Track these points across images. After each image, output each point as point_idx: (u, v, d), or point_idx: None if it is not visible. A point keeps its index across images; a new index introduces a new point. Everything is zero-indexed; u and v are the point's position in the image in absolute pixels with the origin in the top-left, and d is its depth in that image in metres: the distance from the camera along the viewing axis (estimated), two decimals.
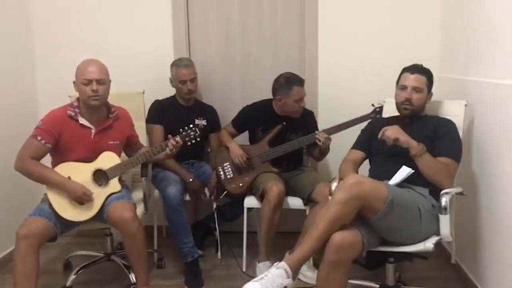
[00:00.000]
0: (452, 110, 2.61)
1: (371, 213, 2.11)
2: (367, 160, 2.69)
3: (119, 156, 2.67)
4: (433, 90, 2.57)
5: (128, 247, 2.50)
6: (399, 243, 2.25)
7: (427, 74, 2.52)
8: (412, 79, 2.49)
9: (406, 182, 2.33)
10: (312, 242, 2.07)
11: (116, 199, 2.52)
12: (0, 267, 3.05)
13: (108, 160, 2.59)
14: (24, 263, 2.31)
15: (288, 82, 2.95)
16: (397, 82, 2.57)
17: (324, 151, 2.99)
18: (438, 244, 2.30)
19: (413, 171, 2.31)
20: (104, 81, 2.55)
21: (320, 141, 2.89)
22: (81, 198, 2.47)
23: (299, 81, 2.97)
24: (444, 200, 2.19)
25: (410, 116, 2.52)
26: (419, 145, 2.31)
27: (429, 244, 2.20)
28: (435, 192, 2.29)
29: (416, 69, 2.52)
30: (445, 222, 2.20)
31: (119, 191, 2.58)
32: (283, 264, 2.05)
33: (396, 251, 2.26)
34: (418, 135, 2.40)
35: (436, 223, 2.23)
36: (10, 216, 3.08)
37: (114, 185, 2.58)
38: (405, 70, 2.55)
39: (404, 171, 2.32)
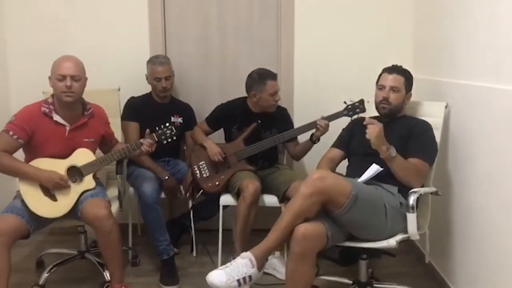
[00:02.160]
0: (432, 111, 2.64)
1: (335, 208, 2.18)
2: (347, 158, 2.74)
3: (94, 153, 2.65)
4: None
5: (103, 245, 2.49)
6: (365, 239, 2.30)
7: (405, 74, 2.58)
8: (390, 79, 2.55)
9: (376, 179, 2.39)
10: (277, 234, 2.17)
11: (90, 196, 2.51)
12: None
13: (82, 156, 2.57)
14: None
15: (262, 77, 2.98)
16: (377, 82, 2.63)
17: (316, 139, 2.98)
18: (410, 242, 2.36)
19: (382, 169, 2.36)
20: (79, 78, 2.52)
21: (322, 127, 2.89)
22: (58, 184, 2.45)
23: (272, 75, 3.00)
24: (411, 199, 2.24)
25: (388, 116, 2.57)
26: (388, 150, 2.33)
27: (392, 241, 2.26)
28: (404, 191, 2.34)
29: (394, 69, 2.58)
30: (412, 221, 2.24)
31: (94, 188, 2.56)
32: (248, 254, 2.13)
33: (360, 246, 2.31)
34: (394, 134, 2.45)
35: (404, 221, 2.28)
36: None
37: (89, 182, 2.56)
38: (384, 70, 2.61)
39: (373, 169, 2.38)
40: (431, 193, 2.50)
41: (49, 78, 2.54)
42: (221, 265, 2.94)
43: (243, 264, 2.10)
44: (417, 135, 2.47)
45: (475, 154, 2.37)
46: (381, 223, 2.27)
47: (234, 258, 2.85)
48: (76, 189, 2.52)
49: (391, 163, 2.35)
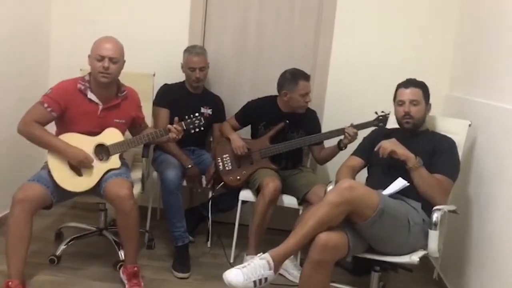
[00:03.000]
0: (455, 129, 2.62)
1: (360, 219, 2.15)
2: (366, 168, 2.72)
3: (123, 134, 2.70)
4: (441, 108, 2.59)
5: (121, 224, 2.53)
6: (386, 253, 2.28)
7: (422, 86, 2.55)
8: (408, 93, 2.53)
9: (400, 194, 2.36)
10: (298, 238, 2.11)
11: (114, 175, 2.55)
12: None
13: (111, 136, 2.62)
14: (17, 227, 2.35)
15: (294, 77, 2.98)
16: (394, 99, 2.61)
17: (344, 146, 2.97)
18: (425, 258, 2.33)
19: (408, 184, 2.34)
20: (117, 60, 2.57)
21: (349, 135, 2.89)
22: (82, 163, 2.50)
23: (305, 76, 2.99)
24: (435, 216, 2.21)
25: (408, 130, 2.54)
26: (416, 159, 2.33)
27: (415, 257, 2.23)
28: (428, 207, 2.31)
29: (409, 83, 2.55)
30: (434, 238, 2.22)
31: (119, 168, 2.61)
32: (266, 255, 2.08)
33: (381, 259, 2.29)
34: (417, 149, 2.42)
35: (425, 238, 2.26)
36: (9, 179, 3.12)
37: (115, 161, 2.61)
38: (399, 86, 2.59)
39: (399, 183, 2.35)
40: (449, 210, 2.46)
41: (89, 56, 2.60)
42: (233, 259, 3.05)
43: (261, 265, 2.05)
44: (443, 151, 2.43)
45: (499, 178, 2.33)
46: (403, 239, 2.24)
47: (247, 254, 2.92)
48: (101, 167, 2.57)
49: (416, 174, 2.32)
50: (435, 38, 3.33)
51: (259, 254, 2.11)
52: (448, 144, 2.48)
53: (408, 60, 3.34)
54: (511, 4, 2.43)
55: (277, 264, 2.08)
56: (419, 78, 2.62)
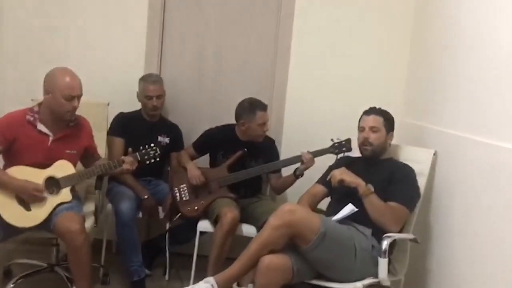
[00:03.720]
0: (419, 158, 2.61)
1: (302, 243, 2.19)
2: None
3: (75, 166, 2.63)
4: (397, 134, 2.64)
5: (72, 260, 2.44)
6: (333, 279, 2.27)
7: (384, 115, 2.62)
8: (368, 120, 2.59)
9: (351, 220, 2.38)
10: (242, 262, 2.19)
11: (65, 209, 2.47)
12: None
13: (62, 168, 2.54)
14: None
15: (252, 107, 2.98)
16: (358, 125, 2.66)
17: (300, 173, 2.97)
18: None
19: (357, 209, 2.36)
20: (81, 95, 2.55)
21: (305, 159, 2.89)
22: (32, 196, 2.41)
23: (263, 106, 3.00)
24: (384, 243, 2.22)
25: (371, 157, 2.58)
26: (367, 185, 2.36)
27: (359, 285, 2.23)
28: (379, 234, 2.32)
29: (372, 111, 2.63)
30: (383, 266, 2.22)
31: (70, 201, 2.52)
32: (211, 279, 2.13)
33: (326, 286, 2.27)
34: (376, 177, 2.46)
35: (375, 265, 2.25)
36: None
37: (65, 194, 2.52)
38: (363, 113, 2.66)
39: (348, 208, 2.38)
40: (409, 239, 2.47)
41: (47, 92, 2.51)
42: None
43: None
44: (399, 179, 2.47)
45: (456, 206, 2.35)
46: (349, 264, 2.25)
47: None
48: (51, 201, 2.48)
49: (367, 200, 2.35)
50: (388, 65, 3.41)
51: (204, 278, 2.14)
52: (404, 172, 2.51)
53: (363, 87, 3.40)
54: (459, 31, 2.52)
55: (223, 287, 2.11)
56: (373, 105, 2.68)
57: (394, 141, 2.74)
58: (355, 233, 2.35)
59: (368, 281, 2.26)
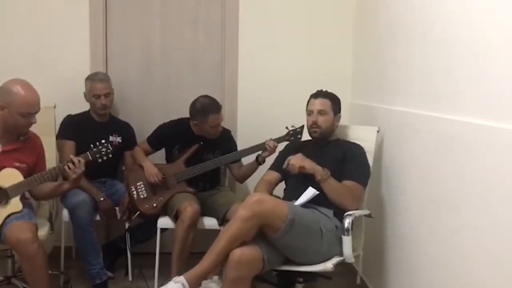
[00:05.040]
0: (364, 136, 2.72)
1: (272, 231, 2.18)
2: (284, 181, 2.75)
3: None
4: (345, 115, 2.68)
5: (27, 270, 2.36)
6: (302, 263, 2.30)
7: (331, 97, 2.66)
8: (316, 103, 2.63)
9: (312, 203, 2.41)
10: (212, 257, 2.15)
11: (15, 219, 2.38)
12: None
13: (9, 177, 2.44)
14: None
15: (204, 111, 2.94)
16: (306, 109, 2.68)
17: (262, 160, 2.97)
18: (347, 264, 2.38)
19: (318, 192, 2.39)
20: (38, 111, 2.48)
21: (270, 147, 2.89)
22: None
23: (215, 108, 2.95)
24: (346, 222, 2.27)
25: (320, 139, 2.62)
26: (324, 170, 2.40)
27: (329, 265, 2.27)
28: (340, 214, 2.37)
29: (319, 94, 2.66)
30: (347, 243, 2.27)
31: (20, 211, 2.43)
32: (181, 278, 2.08)
33: (297, 270, 2.31)
34: (328, 158, 2.50)
35: (339, 244, 2.31)
36: None
37: (15, 204, 2.43)
38: (311, 96, 2.69)
39: (310, 192, 2.41)
40: (364, 215, 2.53)
41: (1, 107, 2.41)
42: None
43: None
44: (351, 158, 2.52)
45: (406, 179, 2.42)
46: (317, 247, 2.28)
47: None
48: (1, 212, 2.38)
49: (326, 184, 2.39)
50: (335, 48, 3.46)
51: (174, 278, 2.08)
52: (356, 151, 2.58)
53: (312, 73, 3.42)
54: (402, 11, 2.56)
55: (193, 285, 2.09)
56: (324, 88, 2.70)
57: (342, 122, 2.78)
58: (319, 215, 2.38)
59: (335, 260, 2.30)
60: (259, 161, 2.99)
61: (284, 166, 2.50)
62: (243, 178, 3.16)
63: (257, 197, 2.22)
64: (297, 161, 2.45)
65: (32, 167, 2.60)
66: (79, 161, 2.50)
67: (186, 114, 3.08)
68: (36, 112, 2.46)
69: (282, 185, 2.77)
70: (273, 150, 2.92)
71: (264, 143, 2.93)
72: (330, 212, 2.40)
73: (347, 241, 2.27)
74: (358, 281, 2.57)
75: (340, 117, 2.70)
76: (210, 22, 3.45)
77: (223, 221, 2.91)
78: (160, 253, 2.94)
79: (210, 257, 2.15)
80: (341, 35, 3.44)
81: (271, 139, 2.94)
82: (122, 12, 3.41)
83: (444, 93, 2.06)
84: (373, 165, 2.63)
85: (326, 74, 3.40)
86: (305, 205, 2.40)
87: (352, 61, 3.45)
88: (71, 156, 2.54)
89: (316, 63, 3.44)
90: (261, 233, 2.21)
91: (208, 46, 3.48)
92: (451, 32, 2.01)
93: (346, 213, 2.31)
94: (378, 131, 2.66)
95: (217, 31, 3.46)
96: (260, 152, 2.97)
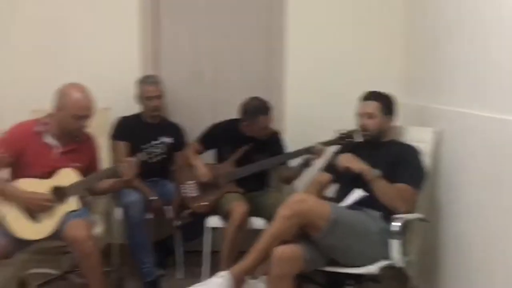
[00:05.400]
0: (420, 137, 2.64)
1: (314, 231, 2.19)
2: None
3: None
4: (400, 116, 2.62)
5: (83, 267, 2.45)
6: (346, 264, 2.28)
7: (381, 99, 2.59)
8: (363, 106, 2.59)
9: (360, 204, 2.38)
10: (254, 255, 2.21)
11: (73, 217, 2.48)
12: None
13: (67, 177, 2.54)
14: None
15: (254, 112, 2.96)
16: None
17: (309, 164, 2.96)
18: (399, 268, 2.32)
19: (365, 194, 2.36)
20: (92, 115, 2.56)
21: (316, 152, 2.89)
22: (41, 206, 2.42)
23: (265, 110, 2.97)
24: (395, 225, 2.22)
25: (370, 142, 2.57)
26: (373, 171, 2.36)
27: (373, 268, 2.23)
28: (388, 216, 2.32)
29: (368, 96, 2.60)
30: (395, 247, 2.22)
31: (77, 209, 2.53)
32: (224, 273, 2.15)
33: (340, 271, 2.28)
34: (381, 160, 2.46)
35: (387, 247, 2.26)
36: None
37: (72, 203, 2.53)
38: (360, 98, 2.63)
39: (356, 194, 2.39)
40: (419, 219, 2.46)
41: (58, 108, 2.51)
42: None
43: (218, 282, 2.13)
44: (405, 161, 2.46)
45: (465, 182, 2.34)
46: (361, 249, 2.26)
47: None
48: (59, 211, 2.49)
49: (375, 185, 2.35)
50: (384, 47, 3.40)
51: (218, 273, 2.16)
52: (410, 153, 2.50)
53: (361, 72, 3.38)
54: (459, 5, 2.48)
55: (237, 281, 2.15)
56: (373, 89, 2.64)
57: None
58: (365, 217, 2.35)
59: (382, 263, 2.26)
60: (305, 165, 2.98)
61: (334, 164, 2.49)
62: (288, 181, 3.15)
63: (298, 196, 2.26)
64: (344, 161, 2.43)
65: (87, 167, 2.70)
66: (132, 162, 2.57)
67: (234, 115, 3.11)
68: (88, 116, 2.54)
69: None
70: (319, 155, 2.90)
71: (312, 147, 2.91)
72: (378, 214, 2.37)
73: (395, 244, 2.22)
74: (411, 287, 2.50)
75: (392, 118, 2.62)
76: (258, 22, 3.47)
77: (271, 221, 2.91)
78: (210, 252, 2.98)
79: (252, 255, 2.21)
80: (391, 33, 3.37)
81: (319, 143, 2.91)
82: (172, 15, 3.47)
83: (509, 93, 1.97)
84: (430, 167, 2.54)
85: (375, 73, 3.34)
86: (352, 206, 2.38)
87: (402, 60, 3.37)
88: (126, 158, 2.62)
89: (365, 62, 3.39)
90: (305, 233, 2.23)
91: (256, 47, 3.50)
92: (505, 29, 1.94)
93: (394, 216, 2.26)
94: (434, 132, 2.58)
95: (264, 32, 3.47)
96: (307, 156, 2.95)
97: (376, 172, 2.36)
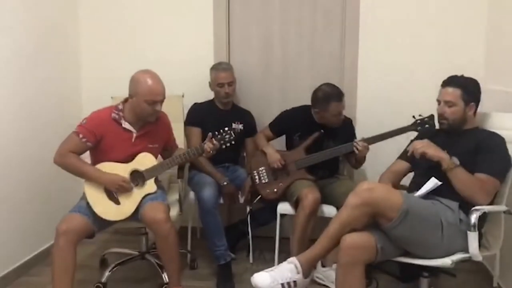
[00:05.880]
0: (504, 124, 2.45)
1: (384, 221, 2.13)
2: None
3: (157, 158, 2.73)
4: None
5: (160, 248, 2.54)
6: (419, 256, 2.20)
7: (463, 86, 2.41)
8: (443, 93, 2.43)
9: (435, 194, 2.28)
10: (323, 242, 2.18)
11: (150, 200, 2.57)
12: (40, 260, 3.18)
13: (145, 161, 2.64)
14: (62, 257, 2.38)
15: (326, 98, 2.92)
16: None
17: (360, 160, 2.96)
18: (478, 262, 2.22)
19: (440, 183, 2.26)
20: (163, 100, 2.62)
21: (358, 150, 2.86)
22: (122, 187, 2.53)
23: (338, 96, 2.91)
24: (473, 217, 2.11)
25: (448, 131, 2.45)
26: (451, 159, 2.24)
27: (447, 261, 2.14)
28: (466, 207, 2.21)
29: (448, 82, 2.44)
30: (473, 240, 2.11)
31: (155, 192, 2.62)
32: (293, 259, 2.14)
33: (413, 263, 2.21)
34: (460, 149, 2.34)
35: (464, 239, 2.15)
36: (50, 211, 3.22)
37: (150, 186, 2.62)
38: (441, 84, 2.48)
39: (431, 183, 2.29)
40: (503, 212, 2.32)
41: (131, 95, 2.59)
42: None
43: (288, 268, 2.12)
44: (486, 149, 2.31)
45: None
46: (436, 240, 2.17)
47: None
48: (138, 193, 2.59)
49: (452, 174, 2.24)
50: (466, 31, 3.22)
51: (288, 259, 2.15)
52: (494, 142, 2.35)
53: (439, 57, 3.24)
54: None
55: (306, 268, 2.13)
56: (451, 73, 2.51)
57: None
58: (440, 207, 2.25)
59: (458, 256, 2.17)
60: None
61: (410, 151, 2.37)
62: (358, 165, 3.10)
63: (367, 185, 2.20)
64: (420, 146, 2.32)
65: (165, 145, 2.81)
66: (212, 146, 2.68)
67: (304, 102, 3.09)
68: (160, 101, 2.59)
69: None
70: (364, 151, 2.86)
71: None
72: (454, 205, 2.26)
73: (473, 237, 2.11)
74: (495, 283, 2.37)
75: (475, 105, 2.44)
76: (329, 9, 3.41)
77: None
78: (280, 238, 3.00)
79: (321, 242, 2.19)
80: (474, 14, 3.19)
81: (362, 139, 2.87)
82: (243, 2, 3.49)
83: None
84: None
85: (455, 57, 3.20)
86: (426, 196, 2.29)
87: (486, 43, 3.19)
88: (204, 144, 2.68)
89: (444, 46, 3.24)
90: (377, 223, 2.17)
91: (327, 34, 3.44)
92: None
93: (473, 208, 2.15)
94: None
95: (336, 18, 3.40)
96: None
97: (454, 161, 2.26)
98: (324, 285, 2.84)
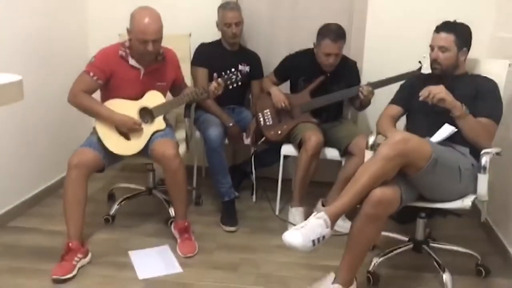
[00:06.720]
0: (494, 70, 2.52)
1: (413, 171, 2.11)
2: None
3: (165, 96, 2.75)
4: (485, 49, 2.47)
5: (169, 183, 2.62)
6: (436, 200, 2.27)
7: (456, 31, 2.40)
8: (437, 39, 2.43)
9: (447, 140, 2.33)
10: (352, 195, 2.07)
11: (160, 136, 2.62)
12: (51, 192, 3.29)
13: (153, 98, 2.67)
14: (74, 190, 2.46)
15: (322, 34, 2.90)
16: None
17: (365, 104, 3.00)
18: (472, 205, 2.32)
19: (456, 129, 2.30)
20: (159, 38, 2.56)
21: (363, 94, 2.89)
22: (132, 127, 2.58)
23: (333, 36, 2.86)
24: (484, 160, 2.19)
25: (441, 76, 2.46)
26: (463, 107, 2.28)
27: (467, 202, 2.23)
28: (475, 152, 2.29)
29: (442, 27, 2.42)
30: (483, 182, 2.20)
31: (164, 129, 2.67)
32: (322, 214, 2.05)
33: (433, 207, 2.28)
34: (459, 94, 2.35)
35: (474, 182, 2.24)
36: (61, 144, 3.29)
37: (159, 123, 2.67)
38: (434, 29, 2.46)
39: (447, 130, 2.31)
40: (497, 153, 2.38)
41: (128, 30, 2.56)
42: (278, 212, 3.12)
43: (318, 224, 2.02)
44: (485, 94, 2.37)
45: None
46: (455, 185, 2.23)
47: (291, 207, 2.97)
48: (147, 130, 2.64)
49: (463, 122, 2.28)
50: None
51: (314, 213, 2.08)
52: (490, 87, 2.41)
53: (448, 2, 3.20)
54: None
55: (333, 221, 2.06)
56: (461, 20, 2.50)
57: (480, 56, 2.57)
58: (457, 154, 2.31)
59: (471, 198, 2.25)
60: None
61: (422, 96, 2.31)
62: (359, 109, 3.15)
63: (401, 136, 2.10)
64: (439, 91, 2.26)
65: (173, 83, 2.83)
66: (217, 85, 2.71)
67: (311, 45, 3.08)
68: (152, 41, 2.50)
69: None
70: (369, 95, 2.88)
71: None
72: (466, 150, 2.32)
73: (483, 179, 2.19)
74: (483, 219, 2.46)
75: (466, 51, 2.45)
76: None
77: (344, 153, 2.95)
78: (282, 179, 3.09)
79: (350, 195, 2.08)
80: None
81: (367, 84, 2.88)
82: None
83: None
84: (503, 101, 2.42)
85: (464, 3, 3.16)
86: (441, 143, 2.32)
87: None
88: (211, 83, 2.71)
89: None
90: (400, 172, 2.13)
91: None
92: None
93: (483, 151, 2.22)
94: (510, 65, 2.44)
95: None
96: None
97: (465, 108, 2.28)
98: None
